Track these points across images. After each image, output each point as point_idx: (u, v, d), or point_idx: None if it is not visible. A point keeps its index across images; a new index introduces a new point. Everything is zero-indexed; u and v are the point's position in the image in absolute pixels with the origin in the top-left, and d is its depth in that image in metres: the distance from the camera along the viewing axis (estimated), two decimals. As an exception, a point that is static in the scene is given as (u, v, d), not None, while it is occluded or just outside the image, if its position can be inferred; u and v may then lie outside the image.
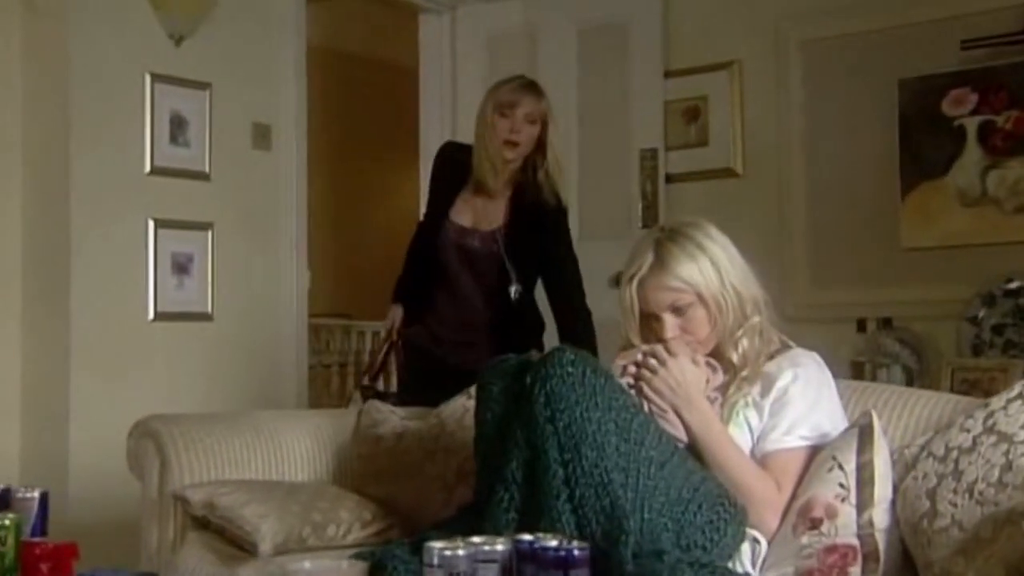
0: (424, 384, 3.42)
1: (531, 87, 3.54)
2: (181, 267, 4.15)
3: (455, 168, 3.56)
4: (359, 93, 8.43)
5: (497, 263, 3.48)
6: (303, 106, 4.63)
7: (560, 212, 3.53)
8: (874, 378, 4.20)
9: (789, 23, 4.72)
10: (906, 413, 2.35)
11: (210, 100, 4.24)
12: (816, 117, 4.68)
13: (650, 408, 2.29)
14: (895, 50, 4.47)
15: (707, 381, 2.31)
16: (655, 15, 4.94)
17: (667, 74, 4.95)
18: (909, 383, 4.23)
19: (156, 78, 4.09)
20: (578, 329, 3.44)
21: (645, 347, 2.33)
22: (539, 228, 3.48)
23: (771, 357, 2.36)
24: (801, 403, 2.27)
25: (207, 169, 4.25)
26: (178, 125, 4.13)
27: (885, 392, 2.43)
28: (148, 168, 4.08)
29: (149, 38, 4.08)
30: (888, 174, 4.46)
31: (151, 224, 4.07)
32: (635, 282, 2.34)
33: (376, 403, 2.95)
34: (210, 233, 4.21)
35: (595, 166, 4.98)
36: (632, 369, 2.34)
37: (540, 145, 3.47)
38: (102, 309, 3.94)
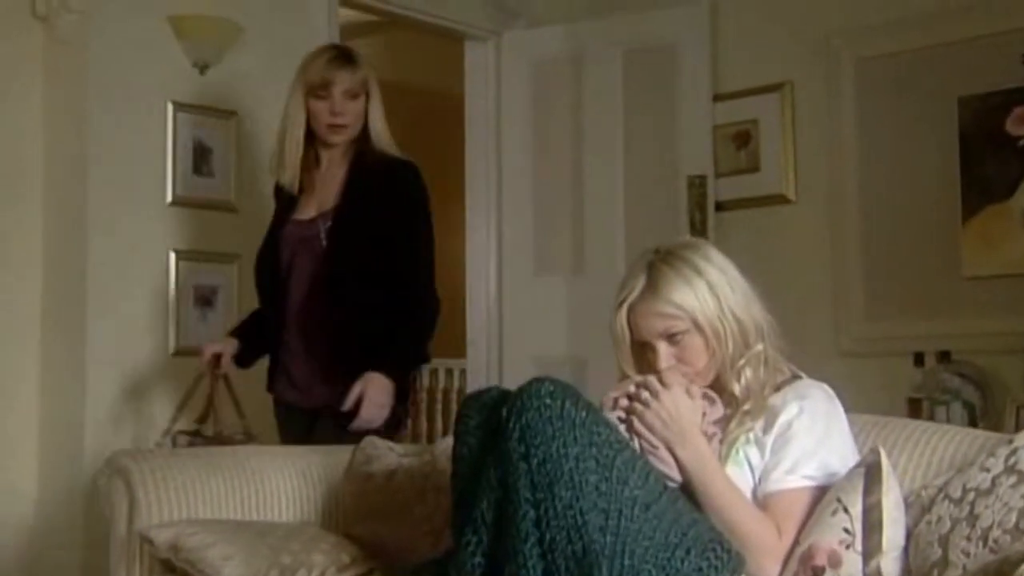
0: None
1: (344, 58, 3.12)
2: (205, 300, 4.04)
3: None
4: (407, 122, 8.34)
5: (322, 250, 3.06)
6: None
7: (410, 169, 3.15)
8: (932, 416, 3.94)
9: (841, 41, 4.50)
10: (928, 451, 2.13)
11: (236, 129, 4.15)
12: (871, 139, 4.45)
13: (640, 444, 2.10)
14: (954, 66, 4.24)
15: (704, 415, 2.12)
16: (703, 36, 4.77)
17: (716, 97, 4.77)
18: (972, 422, 3.96)
19: (179, 107, 4.00)
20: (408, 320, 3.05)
21: (638, 378, 2.15)
22: (383, 194, 3.06)
23: (777, 389, 2.16)
24: (806, 439, 2.06)
25: (232, 199, 4.14)
26: (201, 154, 4.05)
27: (907, 428, 2.21)
28: (170, 198, 3.99)
29: (172, 66, 4.00)
30: (948, 198, 4.22)
31: (172, 256, 3.97)
32: (625, 308, 2.16)
33: (374, 439, 2.78)
34: (236, 266, 4.09)
35: (641, 194, 4.82)
36: (624, 402, 2.15)
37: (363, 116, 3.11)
38: (121, 342, 3.84)
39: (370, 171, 3.07)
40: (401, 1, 4.94)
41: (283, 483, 2.60)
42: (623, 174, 4.85)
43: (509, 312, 5.11)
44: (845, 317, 4.44)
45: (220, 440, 3.22)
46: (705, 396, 2.14)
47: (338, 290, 3.03)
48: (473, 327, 5.26)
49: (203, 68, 4.03)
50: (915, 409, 4.03)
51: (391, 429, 3.01)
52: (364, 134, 3.11)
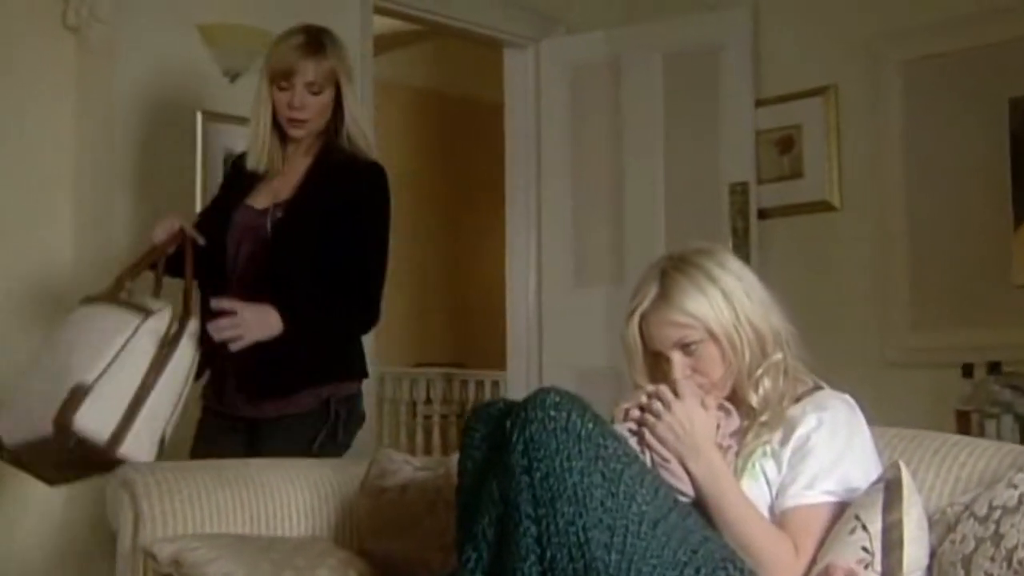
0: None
1: (310, 46, 2.83)
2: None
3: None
4: (447, 132, 8.34)
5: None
6: (371, 144, 4.45)
7: (374, 171, 2.93)
8: (982, 430, 3.79)
9: (887, 43, 4.38)
10: (956, 466, 2.02)
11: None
12: (918, 143, 4.32)
13: (652, 458, 2.02)
14: (1004, 67, 4.11)
15: (718, 426, 2.03)
16: (745, 40, 4.67)
17: (758, 102, 4.66)
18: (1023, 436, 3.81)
19: (208, 116, 3.97)
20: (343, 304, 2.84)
21: (650, 388, 2.06)
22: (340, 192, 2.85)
23: (797, 400, 2.06)
24: (826, 453, 1.96)
25: (263, 209, 4.10)
26: (231, 164, 4.01)
27: (935, 442, 2.10)
28: (199, 208, 3.95)
29: (202, 75, 3.96)
30: (998, 203, 4.10)
31: (202, 266, 3.93)
32: (636, 317, 2.08)
33: (390, 452, 2.72)
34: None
35: (682, 201, 4.73)
36: (635, 413, 2.07)
37: (337, 107, 2.88)
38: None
39: (333, 169, 2.86)
40: (440, 9, 4.89)
41: (294, 496, 2.54)
42: (663, 182, 4.76)
43: (549, 323, 5.03)
44: (891, 327, 4.31)
45: None
46: (720, 407, 2.05)
47: (279, 286, 2.79)
48: (513, 338, 5.19)
49: (233, 77, 3.99)
50: (964, 423, 3.88)
51: (326, 446, 2.82)
52: (334, 127, 2.90)
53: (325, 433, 2.81)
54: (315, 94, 2.82)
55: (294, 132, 2.87)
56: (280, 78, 2.81)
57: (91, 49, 3.87)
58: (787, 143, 4.60)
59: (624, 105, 4.88)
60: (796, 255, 4.57)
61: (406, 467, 2.63)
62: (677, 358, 2.04)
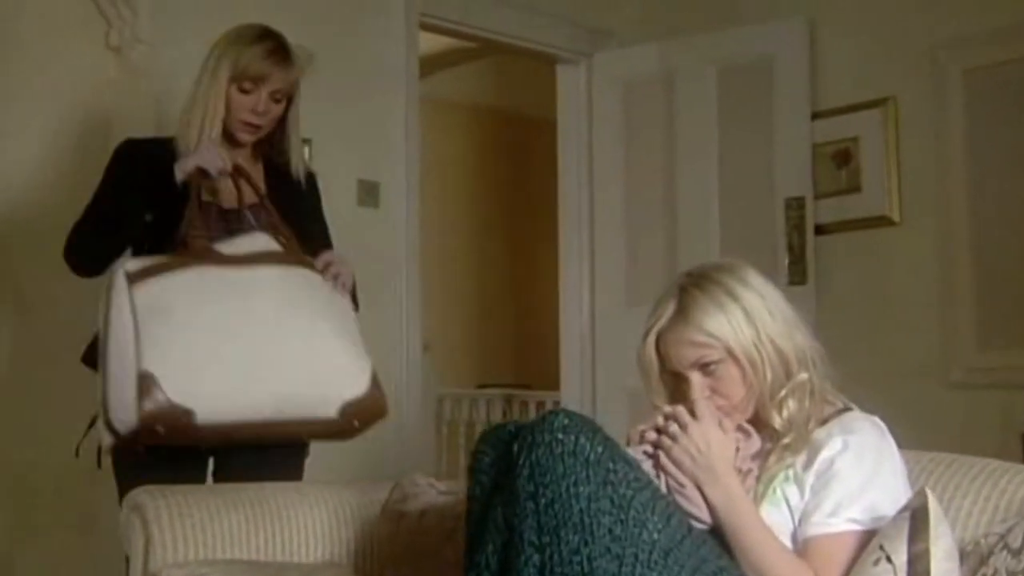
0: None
1: (282, 54, 2.75)
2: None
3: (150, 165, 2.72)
4: (501, 149, 8.29)
5: None
6: (415, 162, 4.42)
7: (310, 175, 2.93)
8: (1051, 454, 3.61)
9: (948, 52, 4.21)
10: (996, 493, 1.89)
11: (310, 157, 4.05)
12: (982, 156, 4.15)
13: (667, 482, 1.91)
14: (1072, 75, 3.92)
15: (737, 449, 1.92)
16: (801, 51, 4.54)
17: (814, 115, 4.51)
18: (1095, 459, 3.62)
19: (251, 134, 3.93)
20: None
21: (667, 408, 1.96)
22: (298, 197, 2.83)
23: (824, 422, 1.94)
24: (851, 478, 1.85)
25: (305, 224, 4.06)
26: (274, 182, 3.96)
27: (973, 467, 1.97)
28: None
29: (243, 94, 3.93)
30: (1067, 216, 3.90)
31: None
32: (653, 335, 1.99)
33: (416, 475, 2.63)
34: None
35: (737, 218, 4.61)
36: (651, 435, 1.97)
37: (280, 120, 2.79)
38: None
39: (285, 176, 2.83)
40: (492, 26, 4.83)
41: (311, 521, 2.46)
42: (717, 197, 4.64)
43: (602, 343, 4.92)
44: (955, 346, 4.13)
45: None
46: (740, 428, 1.94)
47: None
48: (567, 359, 5.09)
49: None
50: (1031, 447, 3.71)
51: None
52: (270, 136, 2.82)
53: None
54: (277, 102, 2.75)
55: (245, 137, 2.75)
56: (246, 80, 2.69)
57: (132, 69, 3.86)
58: (844, 156, 4.45)
59: (677, 119, 4.78)
60: (854, 272, 4.42)
61: (429, 491, 2.55)
62: (696, 379, 1.95)
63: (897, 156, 4.35)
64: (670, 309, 1.97)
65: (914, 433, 3.73)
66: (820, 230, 4.47)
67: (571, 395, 5.06)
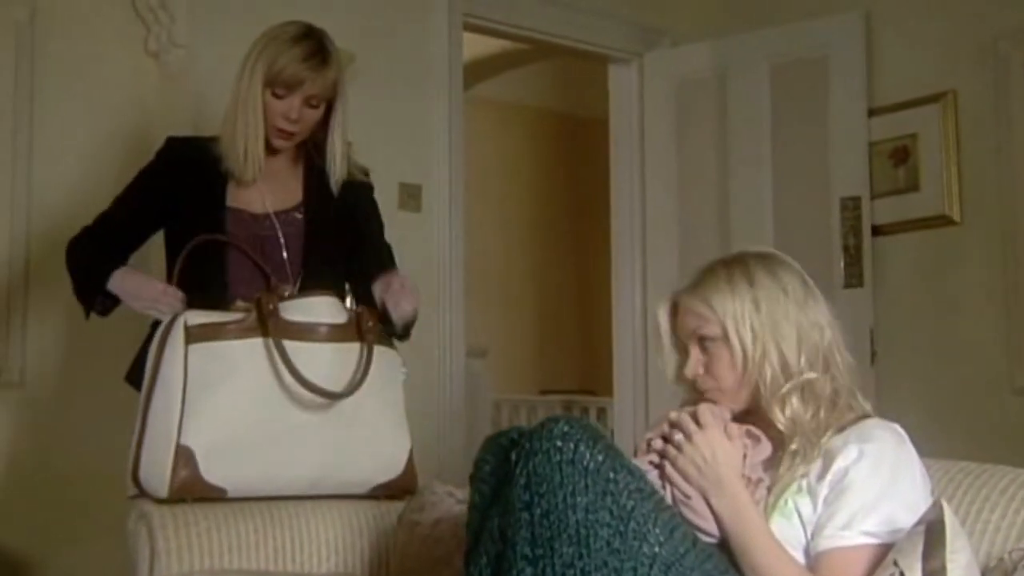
0: None
1: (319, 56, 2.61)
2: (320, 336, 3.90)
3: (187, 164, 2.69)
4: (577, 152, 8.19)
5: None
6: (460, 165, 4.35)
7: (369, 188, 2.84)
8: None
9: (1010, 44, 4.05)
10: (1025, 505, 1.76)
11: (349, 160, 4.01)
12: (1047, 150, 3.97)
13: (673, 493, 1.82)
14: None
15: (744, 456, 1.81)
16: (857, 46, 4.40)
17: (871, 111, 4.37)
18: None
19: (289, 137, 3.90)
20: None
21: (673, 414, 1.87)
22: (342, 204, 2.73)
23: (841, 430, 1.83)
24: (867, 489, 1.74)
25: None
26: (313, 184, 3.92)
27: (1004, 477, 1.85)
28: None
29: (283, 97, 3.90)
30: None
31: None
32: (670, 299, 1.96)
33: (436, 483, 2.56)
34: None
35: (791, 218, 4.47)
36: (658, 444, 1.88)
37: (323, 124, 2.68)
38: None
39: (325, 182, 2.72)
40: (543, 27, 4.76)
41: (323, 530, 2.40)
42: (771, 197, 4.52)
43: (655, 347, 4.80)
44: (1020, 350, 3.96)
45: None
46: (748, 434, 1.84)
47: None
48: (620, 363, 5.00)
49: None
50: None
51: None
52: (313, 138, 2.73)
53: None
54: (313, 107, 2.64)
55: (280, 143, 2.67)
56: (280, 86, 2.60)
57: (170, 74, 3.86)
58: (902, 154, 4.29)
59: (730, 118, 4.66)
60: (913, 274, 4.26)
61: (447, 500, 2.47)
62: (694, 354, 1.92)
63: (957, 153, 4.18)
64: (693, 279, 1.93)
65: (976, 441, 3.61)
66: (877, 231, 4.32)
67: (624, 399, 4.97)
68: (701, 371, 1.89)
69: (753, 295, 1.86)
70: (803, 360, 1.83)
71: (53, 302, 3.59)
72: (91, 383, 3.54)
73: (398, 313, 2.56)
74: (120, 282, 2.54)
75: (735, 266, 1.91)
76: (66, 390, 3.65)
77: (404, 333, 2.67)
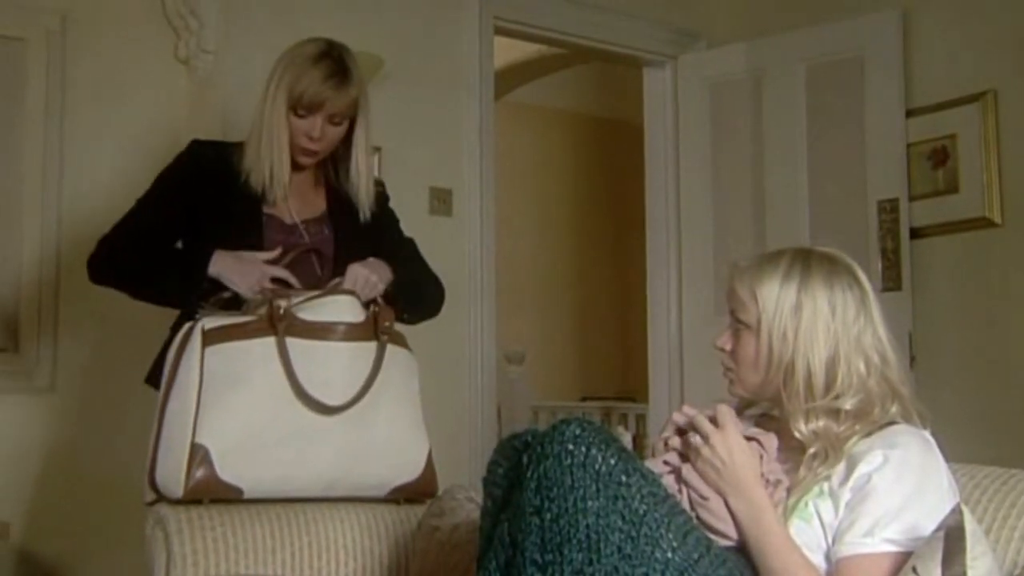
0: None
1: (341, 75, 2.60)
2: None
3: (210, 169, 2.69)
4: (617, 157, 8.14)
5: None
6: (490, 169, 4.33)
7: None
8: None
9: (1051, 41, 3.96)
10: (1056, 512, 1.70)
11: (379, 164, 3.99)
12: (1090, 150, 3.88)
13: (689, 496, 1.78)
14: None
15: (761, 457, 1.77)
16: (894, 46, 4.32)
17: (909, 112, 4.28)
18: None
19: (318, 142, 3.89)
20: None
21: (688, 411, 1.84)
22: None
23: (868, 434, 1.78)
24: (890, 495, 1.70)
25: (372, 232, 4.00)
26: (343, 190, 3.91)
27: (1035, 483, 1.78)
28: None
29: (312, 102, 3.89)
30: None
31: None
32: (732, 268, 1.92)
33: (457, 486, 2.52)
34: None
35: (828, 220, 4.40)
36: (675, 442, 1.84)
37: (345, 140, 2.68)
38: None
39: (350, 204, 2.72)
40: (577, 31, 4.72)
41: (341, 534, 2.38)
42: (807, 199, 4.45)
43: (690, 352, 4.76)
44: (1064, 355, 3.88)
45: None
46: (751, 439, 1.80)
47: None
48: (655, 369, 4.95)
49: (343, 103, 3.91)
50: None
51: None
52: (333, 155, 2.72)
53: None
54: (336, 124, 2.64)
55: (304, 160, 2.67)
56: (303, 106, 2.59)
57: (200, 80, 3.86)
58: (941, 155, 4.21)
59: (765, 119, 4.60)
60: (953, 277, 4.17)
61: (467, 505, 2.44)
62: (728, 331, 1.89)
63: (998, 153, 4.09)
64: (757, 260, 1.90)
65: (1019, 448, 3.51)
66: (915, 233, 4.24)
67: (659, 405, 4.91)
68: (728, 347, 1.87)
69: (799, 300, 1.81)
70: (837, 381, 1.78)
71: (83, 309, 3.61)
72: (121, 388, 3.52)
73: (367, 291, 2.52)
74: (222, 263, 2.54)
75: (797, 264, 1.85)
76: (96, 395, 3.66)
77: (412, 314, 2.67)
